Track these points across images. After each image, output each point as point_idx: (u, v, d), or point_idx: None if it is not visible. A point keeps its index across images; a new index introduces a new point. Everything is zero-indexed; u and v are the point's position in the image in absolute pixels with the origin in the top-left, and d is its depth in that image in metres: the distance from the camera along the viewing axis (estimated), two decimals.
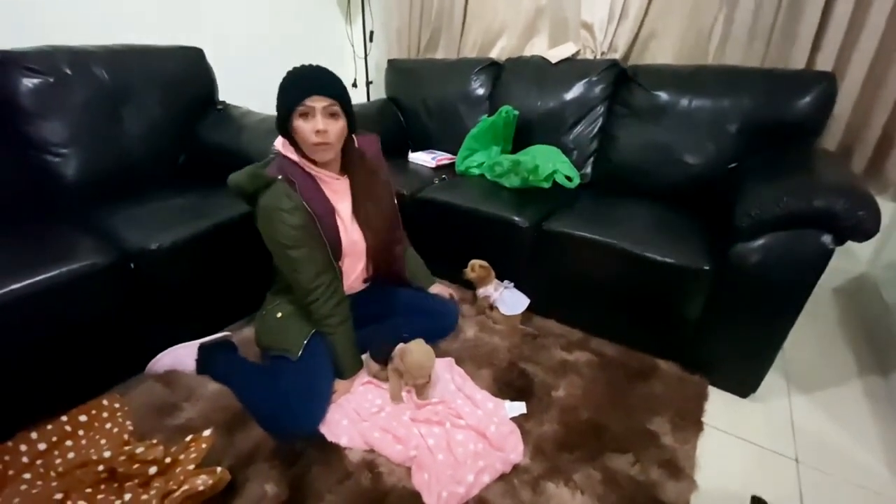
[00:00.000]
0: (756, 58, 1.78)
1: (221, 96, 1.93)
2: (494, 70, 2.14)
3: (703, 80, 1.66)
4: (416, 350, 1.24)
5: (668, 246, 1.36)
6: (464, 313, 1.65)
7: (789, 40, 1.71)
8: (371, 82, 2.66)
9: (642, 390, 1.36)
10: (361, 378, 1.32)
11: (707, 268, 1.29)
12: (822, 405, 1.37)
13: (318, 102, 1.08)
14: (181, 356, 1.35)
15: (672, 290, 1.36)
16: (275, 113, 1.83)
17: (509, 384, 1.36)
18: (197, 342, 1.38)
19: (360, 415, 1.21)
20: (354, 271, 1.35)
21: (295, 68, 1.12)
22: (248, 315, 1.61)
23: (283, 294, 1.31)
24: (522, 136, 1.97)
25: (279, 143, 1.20)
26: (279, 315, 1.28)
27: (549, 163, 1.62)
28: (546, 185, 1.62)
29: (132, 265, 1.22)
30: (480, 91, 2.14)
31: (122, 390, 1.31)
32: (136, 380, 1.34)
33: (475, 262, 1.59)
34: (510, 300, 1.58)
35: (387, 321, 1.40)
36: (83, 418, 1.21)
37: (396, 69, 2.42)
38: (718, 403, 1.35)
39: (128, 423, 1.19)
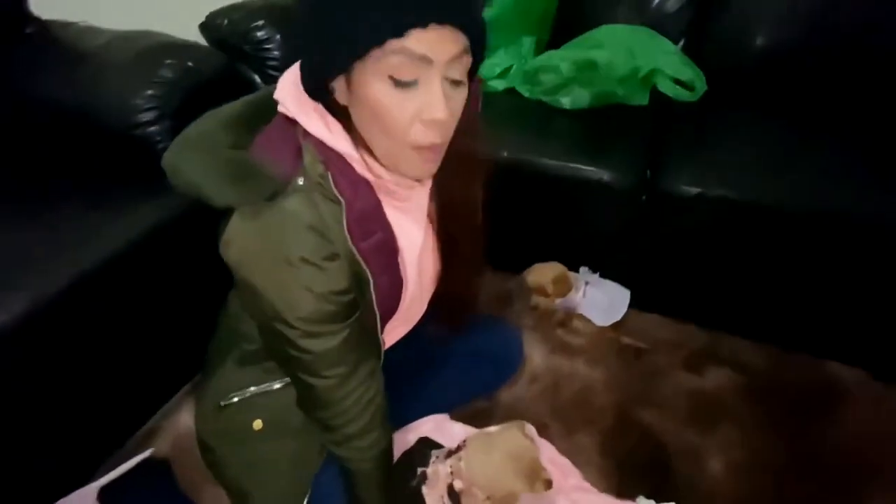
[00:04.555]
0: None
1: (36, 8, 1.07)
2: None
3: None
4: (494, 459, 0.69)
5: None
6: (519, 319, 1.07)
7: None
8: None
9: (831, 433, 0.87)
10: None
11: None
12: None
13: (442, 46, 0.43)
14: None
15: None
16: (144, 26, 1.10)
17: (633, 462, 0.85)
18: (95, 485, 0.79)
19: None
20: (400, 334, 0.75)
21: None
22: (183, 385, 1.00)
23: (255, 364, 0.68)
24: (559, 13, 1.21)
25: (290, 95, 0.51)
26: (257, 426, 0.68)
27: (643, 59, 0.92)
28: (641, 100, 0.93)
29: None
30: None
31: None
32: None
33: (545, 273, 0.97)
34: (601, 301, 1.00)
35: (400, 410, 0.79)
36: None
37: None
38: None
39: None
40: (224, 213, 0.53)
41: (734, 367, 0.98)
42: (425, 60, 0.43)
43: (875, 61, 1.01)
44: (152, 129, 0.87)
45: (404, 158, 0.50)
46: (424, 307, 0.74)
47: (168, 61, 0.90)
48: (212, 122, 0.54)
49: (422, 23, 0.41)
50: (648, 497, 0.79)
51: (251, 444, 0.68)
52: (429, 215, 0.65)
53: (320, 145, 0.51)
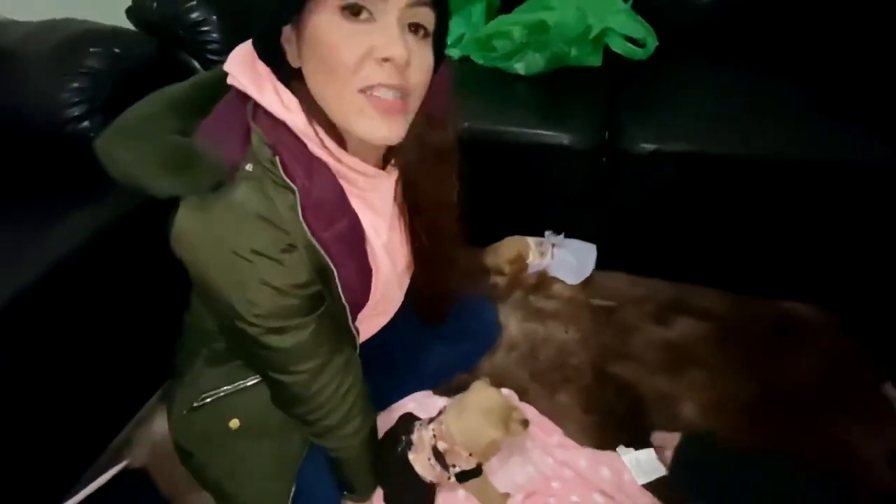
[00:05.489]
0: None
1: None
2: None
3: None
4: (472, 410, 0.70)
5: None
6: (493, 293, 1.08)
7: None
8: None
9: (791, 367, 0.92)
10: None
11: None
12: None
13: None
14: None
15: None
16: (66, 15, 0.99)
17: (611, 415, 0.88)
18: (72, 502, 0.76)
19: None
20: (380, 324, 0.73)
21: None
22: (158, 390, 0.97)
23: (226, 363, 0.65)
24: None
25: (242, 68, 0.47)
26: (234, 425, 0.65)
27: (594, 18, 0.91)
28: (594, 60, 0.93)
29: None
30: None
31: None
32: None
33: (502, 254, 0.99)
34: (570, 261, 1.02)
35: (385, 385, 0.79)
36: None
37: None
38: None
39: None
40: (172, 206, 0.50)
41: (698, 315, 1.02)
42: None
43: (819, 4, 1.04)
44: (83, 124, 0.81)
45: (357, 110, 0.44)
46: (402, 296, 0.72)
47: (93, 49, 0.83)
48: (157, 104, 0.49)
49: None
50: (627, 446, 0.82)
51: (230, 444, 0.67)
52: (399, 207, 0.62)
53: (270, 126, 0.48)
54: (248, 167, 0.47)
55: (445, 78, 0.53)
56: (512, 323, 1.03)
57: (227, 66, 0.48)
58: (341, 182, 0.52)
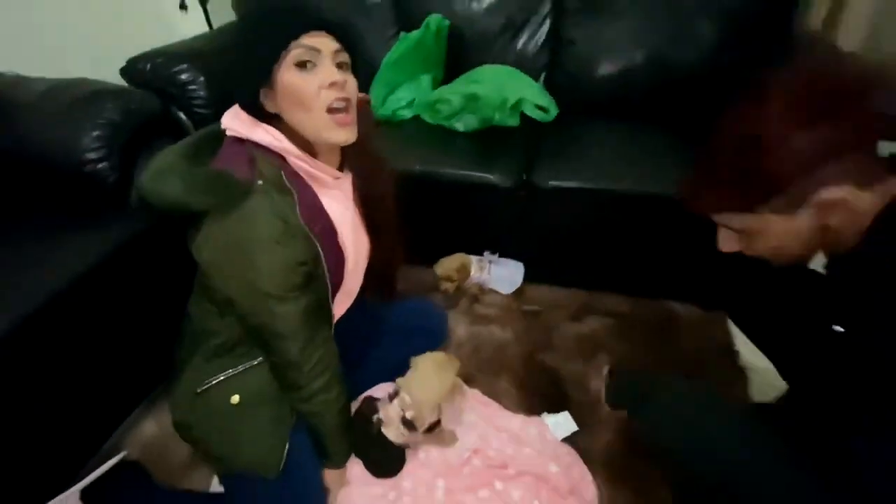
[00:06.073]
0: None
1: None
2: None
3: None
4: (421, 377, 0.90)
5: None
6: (443, 303, 1.30)
7: None
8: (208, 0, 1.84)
9: (675, 351, 1.20)
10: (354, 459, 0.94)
11: None
12: None
13: (325, 42, 0.68)
14: None
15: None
16: (78, 74, 1.13)
17: (538, 391, 1.10)
18: (74, 489, 0.85)
19: None
20: (346, 306, 0.91)
21: None
22: (147, 397, 1.07)
23: (224, 356, 0.81)
24: (447, 55, 1.50)
25: (236, 121, 0.72)
26: (235, 400, 0.80)
27: (512, 92, 1.22)
28: (513, 122, 1.24)
29: None
30: None
31: None
32: None
33: (450, 264, 1.22)
34: (503, 275, 1.26)
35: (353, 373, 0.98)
36: None
37: None
38: None
39: None
40: (190, 226, 0.69)
41: (605, 314, 1.29)
42: (315, 50, 0.67)
43: (680, 76, 1.39)
44: (101, 165, 0.98)
45: (324, 124, 0.69)
46: (361, 280, 0.93)
47: (110, 105, 1.01)
48: (170, 156, 0.70)
49: (306, 30, 0.66)
50: (549, 413, 1.04)
51: (230, 416, 0.80)
52: (356, 204, 0.85)
53: (267, 153, 0.70)
54: (259, 182, 0.68)
55: (365, 104, 0.81)
56: (460, 326, 1.25)
57: (224, 124, 0.72)
58: (314, 185, 0.75)
